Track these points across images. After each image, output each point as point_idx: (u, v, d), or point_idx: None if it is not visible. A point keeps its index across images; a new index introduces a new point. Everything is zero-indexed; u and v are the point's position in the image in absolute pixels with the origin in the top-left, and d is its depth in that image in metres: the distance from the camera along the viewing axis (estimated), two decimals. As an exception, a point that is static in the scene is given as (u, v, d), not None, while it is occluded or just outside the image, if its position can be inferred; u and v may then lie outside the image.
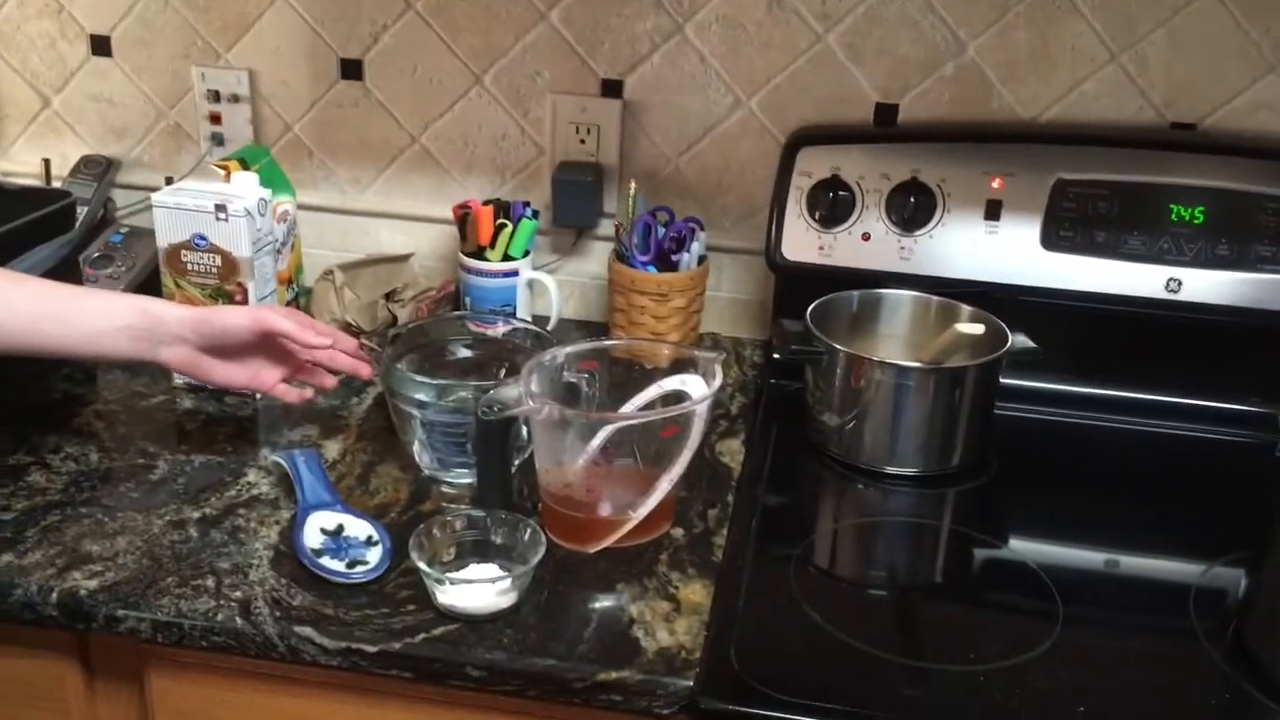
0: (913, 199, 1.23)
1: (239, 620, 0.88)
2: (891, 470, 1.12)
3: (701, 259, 1.33)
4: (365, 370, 1.12)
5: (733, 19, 1.31)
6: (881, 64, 1.30)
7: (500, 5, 1.34)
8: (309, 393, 1.13)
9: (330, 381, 1.14)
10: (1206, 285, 1.19)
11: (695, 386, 0.99)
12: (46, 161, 1.49)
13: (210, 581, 0.92)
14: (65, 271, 1.21)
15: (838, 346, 1.12)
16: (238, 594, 0.91)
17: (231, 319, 1.05)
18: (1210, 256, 1.19)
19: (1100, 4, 1.23)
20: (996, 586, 1.00)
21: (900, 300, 1.22)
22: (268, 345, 1.09)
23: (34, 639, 0.95)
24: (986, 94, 1.29)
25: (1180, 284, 1.20)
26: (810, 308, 1.17)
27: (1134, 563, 1.02)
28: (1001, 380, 1.14)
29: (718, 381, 0.98)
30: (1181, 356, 1.23)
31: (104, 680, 0.98)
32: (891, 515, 1.11)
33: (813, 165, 1.26)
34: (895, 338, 1.21)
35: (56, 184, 1.47)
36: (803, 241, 1.27)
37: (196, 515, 1.01)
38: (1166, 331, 1.22)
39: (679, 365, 1.03)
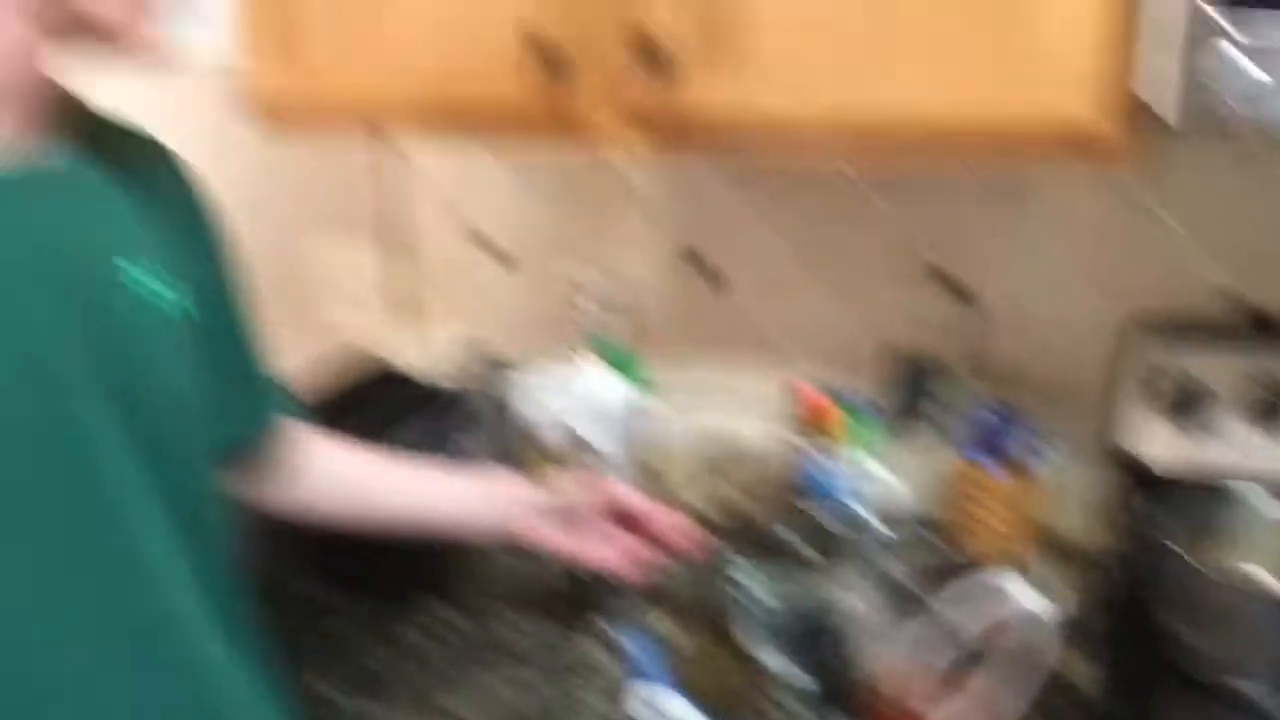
0: (1275, 398, 1.15)
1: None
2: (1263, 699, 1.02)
3: (1047, 462, 1.30)
4: (699, 550, 1.17)
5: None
6: (1235, 254, 1.25)
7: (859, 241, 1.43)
8: (643, 568, 1.16)
9: (663, 559, 1.19)
10: None
11: (1028, 598, 0.97)
12: (453, 350, 1.69)
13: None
14: (435, 441, 1.35)
15: (1191, 560, 1.05)
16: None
17: (577, 491, 1.14)
18: None
19: None
20: None
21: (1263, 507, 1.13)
22: (608, 518, 1.15)
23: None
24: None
25: None
26: (1158, 510, 1.11)
27: None
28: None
29: (1050, 597, 0.96)
30: None
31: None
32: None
33: (1161, 357, 1.21)
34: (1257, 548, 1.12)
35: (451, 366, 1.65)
36: (1152, 437, 1.20)
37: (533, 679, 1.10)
38: None
39: (1017, 569, 1.02)
